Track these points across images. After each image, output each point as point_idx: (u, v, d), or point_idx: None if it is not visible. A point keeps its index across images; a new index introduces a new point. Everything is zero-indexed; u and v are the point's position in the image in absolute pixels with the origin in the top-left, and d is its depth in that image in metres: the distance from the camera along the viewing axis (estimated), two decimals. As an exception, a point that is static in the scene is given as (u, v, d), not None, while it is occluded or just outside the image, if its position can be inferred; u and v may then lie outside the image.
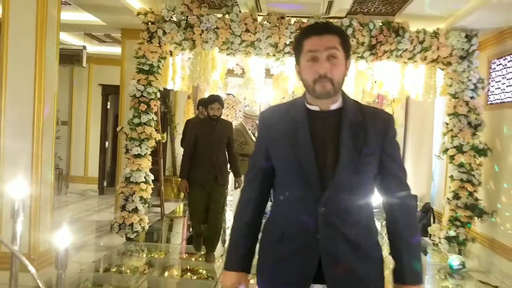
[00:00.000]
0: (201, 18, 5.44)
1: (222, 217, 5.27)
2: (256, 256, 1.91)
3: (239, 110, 11.97)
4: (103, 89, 9.92)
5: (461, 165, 5.67)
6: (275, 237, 1.83)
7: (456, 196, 5.69)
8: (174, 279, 4.74)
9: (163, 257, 5.42)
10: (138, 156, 5.61)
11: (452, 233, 5.68)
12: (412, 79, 6.19)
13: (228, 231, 6.11)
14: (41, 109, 3.97)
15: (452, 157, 5.72)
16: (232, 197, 8.18)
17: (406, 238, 1.83)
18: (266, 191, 1.93)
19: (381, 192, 1.89)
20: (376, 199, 1.93)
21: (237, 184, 5.46)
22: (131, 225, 5.61)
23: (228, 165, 5.33)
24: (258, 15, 5.60)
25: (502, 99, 5.69)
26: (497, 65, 5.85)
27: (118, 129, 6.06)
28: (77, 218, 7.27)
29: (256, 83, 6.22)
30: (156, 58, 5.56)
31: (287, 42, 5.52)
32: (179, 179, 5.24)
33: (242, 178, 5.28)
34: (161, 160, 7.63)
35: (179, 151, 9.53)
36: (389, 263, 1.85)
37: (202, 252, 5.28)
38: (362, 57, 5.68)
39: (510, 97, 5.48)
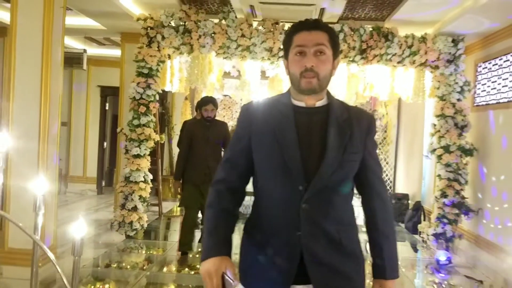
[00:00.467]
0: (199, 23, 5.65)
1: None
2: (238, 255, 1.88)
3: (236, 111, 12.20)
4: (101, 90, 10.13)
5: (448, 165, 5.90)
6: (256, 233, 1.82)
7: (444, 195, 5.93)
8: (172, 274, 4.94)
9: (161, 254, 5.64)
10: (137, 156, 5.81)
11: (439, 230, 5.91)
12: (402, 81, 6.42)
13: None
14: (47, 111, 4.17)
15: (439, 157, 5.95)
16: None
17: (386, 234, 1.87)
18: (243, 184, 1.88)
19: (362, 188, 1.91)
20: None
21: None
22: (131, 223, 5.81)
23: None
24: (253, 20, 5.82)
25: (487, 101, 5.93)
26: (483, 68, 6.09)
27: (118, 130, 6.27)
28: (77, 217, 7.46)
29: (252, 86, 6.44)
30: (155, 61, 5.76)
31: (281, 47, 5.72)
32: (174, 180, 5.42)
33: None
34: (159, 160, 7.83)
35: (176, 151, 9.75)
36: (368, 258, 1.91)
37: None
38: (353, 61, 5.90)
39: (495, 100, 5.72)
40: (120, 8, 5.48)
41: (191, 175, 5.20)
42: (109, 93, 10.08)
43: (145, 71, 5.77)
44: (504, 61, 5.53)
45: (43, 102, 4.15)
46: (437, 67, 5.94)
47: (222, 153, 5.42)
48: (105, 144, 10.32)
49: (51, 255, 1.87)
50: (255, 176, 1.86)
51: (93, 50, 9.06)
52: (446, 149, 5.89)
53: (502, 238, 5.26)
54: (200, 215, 5.76)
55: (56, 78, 4.33)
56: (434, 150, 6.03)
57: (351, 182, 1.87)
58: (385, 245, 1.87)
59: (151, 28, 5.71)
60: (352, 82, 6.57)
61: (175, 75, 6.46)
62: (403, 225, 7.75)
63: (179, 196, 8.95)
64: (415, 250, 6.52)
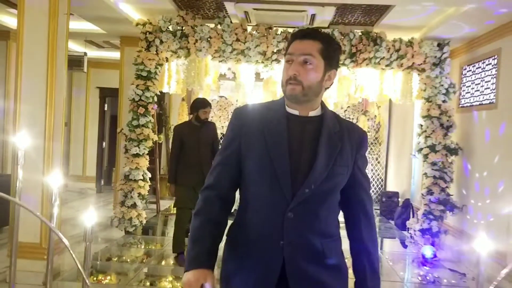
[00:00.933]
0: (195, 28, 5.90)
1: None
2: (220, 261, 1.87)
3: (231, 112, 12.43)
4: (100, 91, 10.37)
5: (434, 163, 6.17)
6: (240, 240, 1.80)
7: (430, 192, 6.19)
8: (170, 267, 5.19)
9: (159, 249, 5.89)
10: (136, 155, 6.06)
11: (426, 226, 6.18)
12: (392, 83, 6.68)
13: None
14: (52, 112, 4.43)
15: (426, 156, 6.22)
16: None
17: (371, 252, 1.86)
18: (233, 190, 1.87)
19: (349, 203, 1.89)
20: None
21: None
22: (130, 219, 6.06)
23: None
24: (248, 25, 6.08)
25: (471, 103, 6.21)
26: (468, 71, 6.37)
27: (118, 130, 6.52)
28: (77, 215, 7.70)
29: (247, 88, 6.70)
30: (153, 65, 6.01)
31: (275, 51, 5.98)
32: (168, 183, 5.39)
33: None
34: (157, 159, 8.07)
35: (174, 151, 10.01)
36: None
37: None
38: (343, 64, 6.15)
39: (478, 101, 6.00)
40: (120, 13, 5.73)
41: (185, 177, 5.20)
42: (108, 94, 10.32)
43: (144, 73, 6.01)
44: (487, 65, 5.82)
45: (48, 104, 4.40)
46: (423, 70, 6.20)
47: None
48: (104, 144, 10.57)
49: (65, 241, 2.12)
50: (242, 181, 1.83)
51: (93, 53, 9.29)
52: (432, 148, 6.16)
53: (485, 233, 5.52)
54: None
55: (60, 82, 4.58)
56: (421, 149, 6.29)
57: (338, 197, 1.85)
58: (368, 263, 1.85)
59: (150, 33, 5.95)
60: (344, 84, 6.82)
61: (172, 77, 6.70)
62: (393, 222, 8.03)
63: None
64: (404, 246, 6.78)
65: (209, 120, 5.46)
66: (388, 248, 6.88)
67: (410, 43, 6.10)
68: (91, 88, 10.33)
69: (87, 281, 2.13)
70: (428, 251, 5.84)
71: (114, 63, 9.45)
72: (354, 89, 6.97)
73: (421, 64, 6.14)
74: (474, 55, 6.20)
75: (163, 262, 5.34)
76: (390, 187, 9.51)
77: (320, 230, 1.77)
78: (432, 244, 6.12)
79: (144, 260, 5.30)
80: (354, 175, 1.83)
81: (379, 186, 9.97)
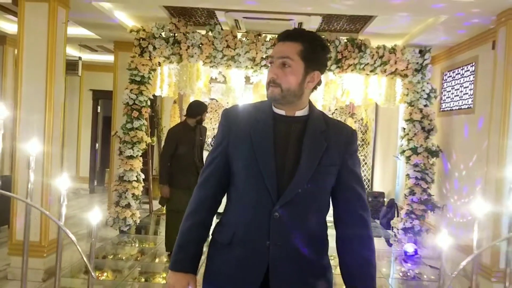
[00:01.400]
0: (187, 35, 6.13)
1: None
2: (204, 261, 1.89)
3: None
4: (93, 94, 10.56)
5: (416, 165, 6.45)
6: (225, 240, 1.79)
7: (412, 192, 6.47)
8: (163, 264, 5.41)
9: (153, 247, 6.12)
10: (130, 157, 6.28)
11: (408, 224, 6.46)
12: (377, 87, 6.96)
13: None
14: (51, 116, 4.64)
15: (408, 158, 6.50)
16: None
17: (368, 261, 1.80)
18: (221, 191, 1.88)
19: (337, 206, 1.86)
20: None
21: None
22: (124, 219, 6.29)
23: None
24: (238, 32, 6.32)
25: (451, 107, 6.50)
26: (448, 77, 6.67)
27: (112, 133, 6.74)
28: (73, 215, 7.90)
29: (237, 92, 6.95)
30: (147, 70, 6.24)
31: (263, 56, 6.22)
32: (160, 185, 5.41)
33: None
34: (150, 161, 8.29)
35: (166, 152, 10.22)
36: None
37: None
38: (329, 70, 6.41)
39: (458, 106, 6.29)
40: (114, 20, 5.94)
41: (180, 179, 5.26)
42: (101, 97, 10.53)
43: (138, 78, 6.23)
44: (465, 71, 6.11)
45: (47, 108, 4.60)
46: (406, 76, 6.48)
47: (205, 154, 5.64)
48: (97, 145, 10.76)
49: (72, 237, 2.35)
50: (230, 181, 1.85)
51: (86, 56, 9.46)
52: (414, 150, 6.44)
53: (462, 230, 5.82)
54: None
55: (59, 87, 4.79)
56: (404, 151, 6.57)
57: (326, 198, 1.84)
58: (365, 275, 1.81)
59: (143, 39, 6.18)
60: (331, 87, 7.08)
61: (164, 81, 6.94)
62: (378, 221, 8.32)
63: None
64: (389, 244, 7.05)
65: None
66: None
67: (393, 50, 6.36)
68: (84, 91, 10.51)
69: (92, 273, 2.38)
70: (409, 249, 6.13)
71: (106, 66, 9.64)
72: (341, 93, 7.25)
73: (404, 70, 6.41)
74: (454, 62, 6.49)
75: (156, 260, 5.58)
76: (376, 188, 9.81)
77: (307, 230, 1.76)
78: (414, 242, 6.40)
79: (138, 258, 5.53)
80: (344, 175, 1.81)
81: (366, 186, 10.27)
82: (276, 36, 2.15)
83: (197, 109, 5.48)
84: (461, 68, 6.23)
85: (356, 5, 4.99)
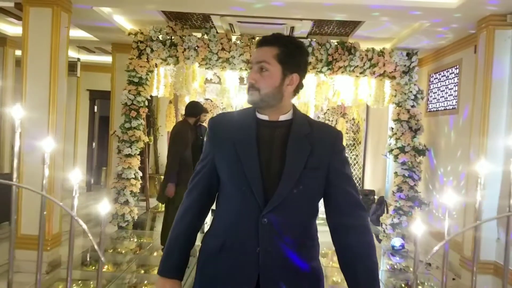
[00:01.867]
0: (184, 38, 6.36)
1: None
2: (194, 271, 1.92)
3: (217, 114, 12.91)
4: (90, 94, 10.78)
5: (403, 163, 6.72)
6: (216, 247, 1.79)
7: (400, 189, 6.74)
8: (160, 258, 5.65)
9: (150, 242, 6.35)
10: (129, 156, 6.51)
11: (396, 220, 6.73)
12: (367, 88, 7.22)
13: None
14: (55, 115, 4.87)
15: (396, 157, 6.77)
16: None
17: (368, 268, 1.76)
18: (210, 199, 1.90)
19: (333, 211, 1.83)
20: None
21: None
22: (123, 215, 6.52)
23: None
24: (232, 35, 6.56)
25: (437, 108, 6.78)
26: (434, 79, 6.94)
27: (111, 133, 6.96)
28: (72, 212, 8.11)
29: (231, 93, 7.20)
30: (144, 71, 6.47)
31: (257, 59, 6.45)
32: (169, 183, 5.41)
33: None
34: (147, 159, 8.51)
35: (161, 151, 10.47)
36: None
37: None
38: (321, 72, 6.66)
39: (443, 106, 6.57)
40: (113, 24, 6.16)
41: (183, 177, 5.32)
42: (98, 97, 10.74)
43: (136, 79, 6.46)
44: (450, 73, 6.38)
45: (51, 109, 4.83)
46: (394, 77, 6.74)
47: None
48: (93, 144, 10.97)
49: (84, 226, 2.59)
50: (219, 189, 1.87)
51: (83, 57, 9.66)
52: (402, 149, 6.70)
53: (442, 225, 6.07)
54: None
55: (62, 87, 5.01)
56: (392, 150, 6.84)
57: (314, 202, 1.83)
58: (365, 281, 1.76)
59: (141, 42, 6.40)
60: (323, 88, 7.34)
61: (161, 81, 7.17)
62: (368, 218, 8.58)
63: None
64: (379, 240, 7.31)
65: None
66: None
67: (381, 53, 6.62)
68: (82, 91, 10.71)
69: (102, 258, 2.62)
70: (397, 243, 6.40)
71: (103, 67, 9.85)
72: (332, 94, 7.51)
73: (392, 72, 6.68)
74: (439, 64, 6.76)
75: (155, 253, 5.81)
76: (367, 186, 10.08)
77: (297, 235, 1.75)
78: (402, 238, 6.66)
79: (137, 252, 5.76)
80: (333, 178, 1.79)
81: (357, 184, 10.55)
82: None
83: (195, 109, 5.69)
84: (446, 70, 6.50)
85: (338, 11, 5.27)
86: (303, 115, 1.88)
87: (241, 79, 7.34)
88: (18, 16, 6.55)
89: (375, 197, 9.15)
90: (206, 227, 2.00)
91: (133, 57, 6.47)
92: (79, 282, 4.70)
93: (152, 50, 6.40)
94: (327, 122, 10.53)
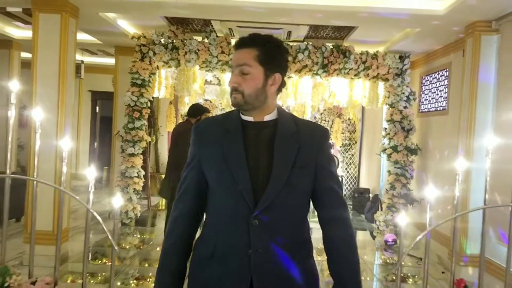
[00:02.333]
0: (185, 41, 6.61)
1: None
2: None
3: (215, 114, 13.18)
4: (92, 94, 11.03)
5: (396, 162, 6.98)
6: (207, 253, 1.77)
7: (393, 187, 7.01)
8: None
9: (152, 237, 6.60)
10: (132, 155, 6.76)
11: (389, 217, 7.00)
12: (361, 89, 7.49)
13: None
14: (63, 115, 5.13)
15: (389, 156, 7.03)
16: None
17: (348, 258, 1.79)
18: (200, 205, 1.86)
19: (318, 207, 1.85)
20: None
21: None
22: (126, 212, 6.77)
23: None
24: (232, 39, 6.81)
25: (428, 109, 7.05)
26: (426, 81, 7.21)
27: (114, 133, 7.21)
28: (74, 210, 8.35)
29: (230, 94, 7.44)
30: (147, 74, 6.72)
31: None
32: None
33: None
34: (149, 159, 8.76)
35: (162, 150, 10.72)
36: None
37: None
38: (316, 74, 6.91)
39: (434, 107, 6.84)
40: (117, 28, 6.42)
41: None
42: (99, 97, 10.99)
43: (139, 82, 6.71)
44: (440, 76, 6.65)
45: (60, 109, 5.09)
46: (387, 80, 7.01)
47: None
48: (95, 143, 11.21)
49: (99, 218, 2.85)
50: (207, 194, 1.84)
51: (85, 59, 9.91)
52: (395, 149, 6.97)
53: (435, 221, 6.34)
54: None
55: (69, 89, 5.27)
56: (385, 149, 7.10)
57: (305, 200, 1.83)
58: (346, 271, 1.79)
59: (144, 45, 6.65)
60: (319, 89, 7.59)
61: (162, 83, 7.42)
62: (363, 216, 8.86)
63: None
64: (373, 237, 7.57)
65: None
66: (357, 238, 7.69)
67: (375, 56, 6.88)
68: (84, 91, 10.96)
69: (115, 247, 2.88)
70: (389, 238, 6.67)
71: (105, 68, 10.11)
72: (328, 95, 7.77)
73: (385, 74, 6.94)
74: (431, 67, 7.03)
75: (157, 249, 6.06)
76: (363, 184, 10.35)
77: (288, 235, 1.75)
78: (395, 234, 6.92)
79: (140, 247, 6.02)
80: (320, 175, 1.80)
81: (353, 183, 10.82)
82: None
83: (198, 110, 5.97)
84: (437, 73, 6.77)
85: (325, 18, 5.56)
86: (288, 114, 1.87)
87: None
88: (25, 20, 6.80)
89: (370, 195, 9.41)
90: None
91: (136, 60, 6.71)
92: (87, 274, 4.94)
93: (154, 53, 6.65)
94: (323, 122, 10.80)
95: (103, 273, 5.00)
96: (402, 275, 5.52)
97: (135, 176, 6.80)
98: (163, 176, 6.34)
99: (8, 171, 3.06)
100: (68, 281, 4.77)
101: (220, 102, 11.26)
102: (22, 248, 5.39)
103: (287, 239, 1.73)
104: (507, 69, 4.95)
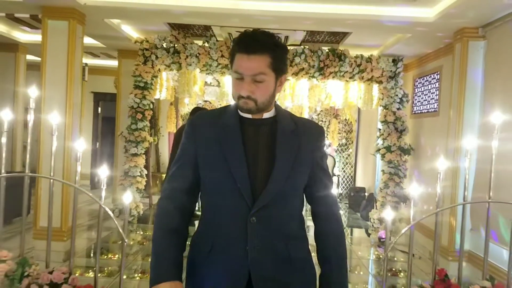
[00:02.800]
0: (186, 46, 6.86)
1: None
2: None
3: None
4: (94, 96, 11.26)
5: (390, 162, 7.23)
6: (205, 249, 1.74)
7: (386, 186, 7.26)
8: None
9: (155, 235, 6.86)
10: (135, 155, 7.01)
11: (383, 215, 7.24)
12: (357, 91, 7.73)
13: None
14: (71, 116, 5.39)
15: (383, 155, 7.29)
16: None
17: (336, 251, 1.83)
18: (192, 199, 1.81)
19: (311, 201, 1.86)
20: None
21: None
22: (129, 210, 7.02)
23: None
24: (231, 43, 7.06)
25: (421, 110, 7.31)
26: (419, 83, 7.47)
27: (118, 134, 7.46)
28: (78, 208, 8.58)
29: (230, 96, 7.70)
30: (149, 76, 6.97)
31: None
32: None
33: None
34: (150, 158, 9.01)
35: (162, 151, 10.97)
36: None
37: None
38: (313, 77, 7.16)
39: (426, 109, 7.10)
40: (121, 33, 6.66)
41: None
42: (101, 99, 11.23)
43: (141, 84, 6.96)
44: (432, 79, 6.91)
45: (67, 110, 5.35)
46: (381, 82, 7.25)
47: None
48: (97, 144, 11.46)
49: (111, 214, 3.10)
50: (202, 190, 1.80)
51: (88, 61, 10.14)
52: (388, 149, 7.22)
53: (427, 219, 6.60)
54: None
55: (76, 91, 5.53)
56: (379, 149, 7.36)
57: (301, 195, 1.84)
58: (334, 263, 1.82)
59: (147, 49, 6.90)
60: (316, 91, 7.84)
61: (163, 85, 7.67)
62: (359, 214, 9.12)
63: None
64: (368, 234, 7.82)
65: None
66: (353, 235, 7.95)
67: (369, 59, 7.13)
68: (86, 93, 11.19)
69: (126, 240, 3.13)
70: (384, 235, 6.92)
71: (107, 70, 10.34)
72: (324, 96, 8.02)
73: (379, 77, 7.18)
74: (423, 70, 7.29)
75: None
76: (359, 183, 10.60)
77: (285, 232, 1.75)
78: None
79: (143, 243, 6.27)
80: (315, 172, 1.81)
81: (349, 182, 11.08)
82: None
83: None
84: (429, 75, 7.03)
85: (317, 24, 5.81)
86: (285, 112, 1.86)
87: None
88: (31, 25, 7.04)
89: (366, 194, 9.67)
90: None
91: (139, 64, 6.95)
92: (94, 268, 5.20)
93: (156, 57, 6.89)
94: (320, 123, 11.05)
95: (109, 267, 5.25)
96: (394, 269, 5.80)
97: (138, 175, 7.04)
98: (163, 176, 6.58)
99: (27, 170, 3.31)
100: (77, 274, 5.01)
101: (219, 103, 11.50)
102: (31, 243, 5.63)
103: (283, 235, 1.74)
104: (493, 73, 5.21)
